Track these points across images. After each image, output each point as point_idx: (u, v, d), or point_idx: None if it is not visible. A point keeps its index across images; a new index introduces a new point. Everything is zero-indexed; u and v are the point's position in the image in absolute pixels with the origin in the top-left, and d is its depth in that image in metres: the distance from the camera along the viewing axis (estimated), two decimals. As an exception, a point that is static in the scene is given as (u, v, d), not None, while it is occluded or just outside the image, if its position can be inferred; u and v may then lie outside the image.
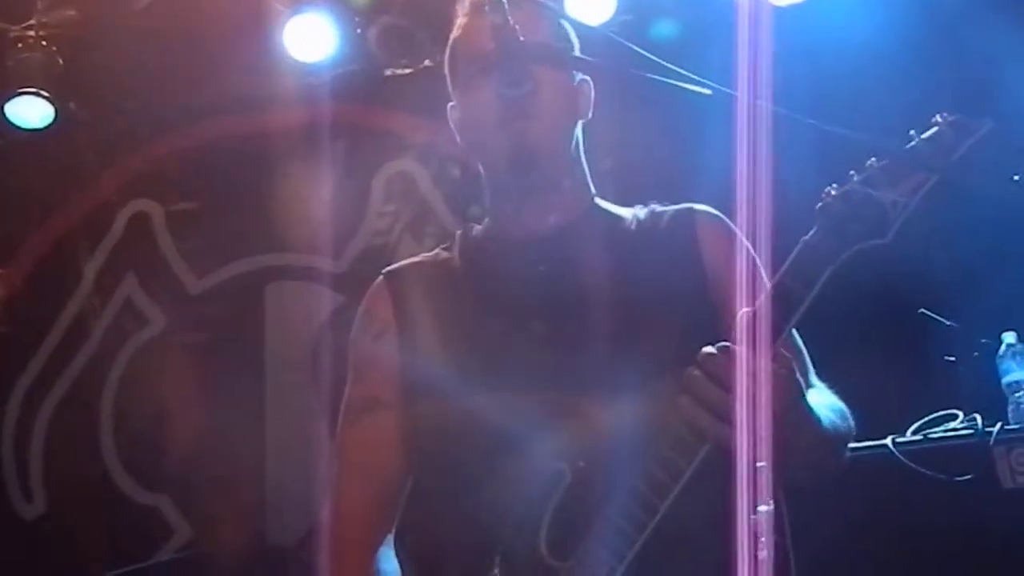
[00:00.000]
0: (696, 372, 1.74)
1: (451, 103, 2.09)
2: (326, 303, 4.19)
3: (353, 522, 2.04)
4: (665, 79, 1.67)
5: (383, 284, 2.09)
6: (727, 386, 1.72)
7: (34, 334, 4.31)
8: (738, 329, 1.76)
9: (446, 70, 2.09)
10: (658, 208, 2.05)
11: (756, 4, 1.62)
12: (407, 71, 3.86)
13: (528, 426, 1.88)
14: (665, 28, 3.69)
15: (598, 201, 2.08)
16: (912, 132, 1.81)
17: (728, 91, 1.59)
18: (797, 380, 1.79)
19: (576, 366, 1.90)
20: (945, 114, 1.80)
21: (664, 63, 1.67)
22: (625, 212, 2.07)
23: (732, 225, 1.97)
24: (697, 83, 1.67)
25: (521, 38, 1.83)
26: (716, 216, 2.02)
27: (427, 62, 3.75)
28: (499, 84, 1.94)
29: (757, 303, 1.78)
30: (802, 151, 1.75)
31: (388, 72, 3.90)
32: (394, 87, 3.90)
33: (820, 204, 1.81)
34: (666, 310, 1.87)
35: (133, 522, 4.21)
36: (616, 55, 1.83)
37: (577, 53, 2.06)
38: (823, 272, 1.79)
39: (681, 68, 1.66)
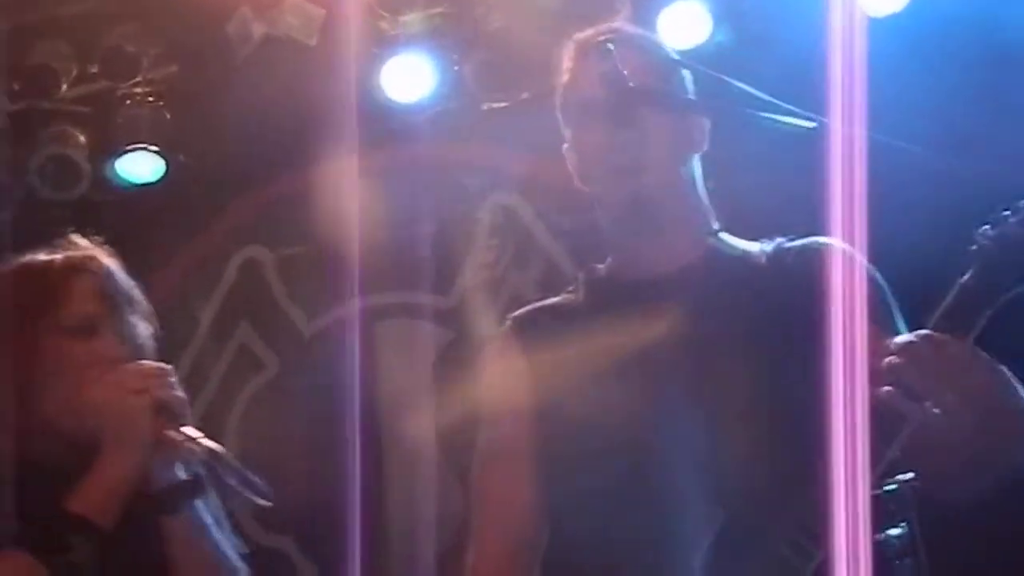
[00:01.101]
0: (895, 360, 1.69)
1: (565, 144, 2.07)
2: (436, 339, 4.19)
3: (493, 566, 2.03)
4: (770, 116, 1.64)
5: (510, 330, 2.10)
6: (928, 372, 1.68)
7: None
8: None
9: (558, 112, 2.07)
10: (785, 243, 2.01)
11: (850, 19, 1.58)
12: (503, 104, 3.85)
13: (669, 468, 1.86)
14: (760, 46, 3.62)
15: (722, 236, 2.04)
16: None
17: (824, 120, 1.55)
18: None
19: (714, 406, 1.87)
20: None
21: (768, 98, 1.65)
22: (752, 247, 2.04)
23: (862, 258, 1.92)
24: (800, 116, 1.63)
25: (630, 83, 1.80)
26: (844, 250, 1.96)
27: (524, 95, 3.74)
28: (609, 130, 1.92)
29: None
30: (901, 175, 1.69)
31: (485, 106, 3.90)
32: (492, 121, 3.89)
33: (975, 246, 1.75)
34: (800, 347, 1.82)
35: (258, 565, 4.23)
36: (720, 88, 1.80)
37: (688, 87, 2.03)
38: (981, 316, 1.73)
39: (781, 86, 1.63)
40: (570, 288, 2.11)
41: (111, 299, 2.12)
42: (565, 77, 2.04)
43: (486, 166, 4.04)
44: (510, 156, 3.90)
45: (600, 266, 2.08)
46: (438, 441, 4.05)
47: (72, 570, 1.95)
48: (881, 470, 1.72)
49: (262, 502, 2.06)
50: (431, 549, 3.95)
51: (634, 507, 1.87)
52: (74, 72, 3.99)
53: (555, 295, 2.15)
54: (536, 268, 4.06)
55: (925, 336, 1.70)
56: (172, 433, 2.04)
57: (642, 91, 1.85)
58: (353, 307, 3.96)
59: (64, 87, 3.99)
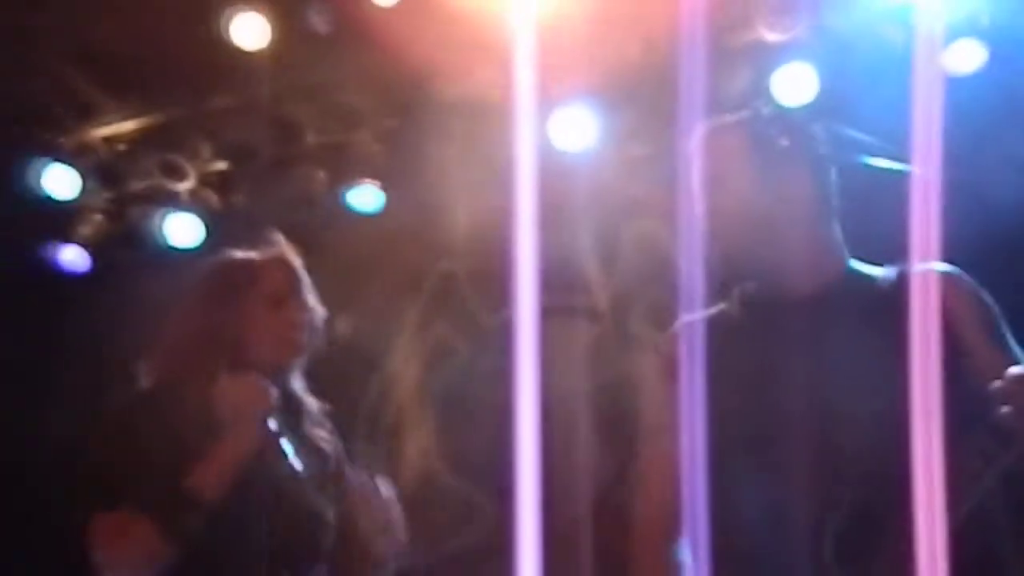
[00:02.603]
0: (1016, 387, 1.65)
1: (701, 210, 2.00)
2: (589, 333, 4.18)
3: (654, 519, 2.02)
4: (877, 161, 1.58)
5: (676, 332, 2.05)
6: None
7: (373, 364, 4.45)
8: None
9: (697, 179, 2.01)
10: (907, 269, 1.93)
11: (931, 77, 1.53)
12: (647, 151, 3.82)
13: (806, 455, 1.81)
14: (860, 101, 3.50)
15: (853, 264, 1.97)
16: None
17: (921, 172, 1.49)
18: None
19: (842, 407, 1.81)
20: None
21: (879, 143, 1.59)
22: (878, 273, 1.97)
23: (973, 283, 1.85)
24: (902, 161, 1.57)
25: (782, 143, 1.77)
26: (958, 276, 1.89)
27: (664, 144, 3.69)
28: (759, 191, 1.87)
29: None
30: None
31: (633, 153, 3.88)
32: (636, 164, 3.87)
33: None
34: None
35: (450, 507, 4.28)
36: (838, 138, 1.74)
37: (820, 141, 1.98)
38: None
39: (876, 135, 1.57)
40: (726, 302, 2.06)
41: (295, 282, 2.26)
42: (703, 155, 1.99)
43: (631, 198, 4.02)
44: (649, 191, 3.87)
45: (751, 284, 2.03)
46: (592, 412, 4.03)
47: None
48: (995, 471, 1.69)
49: None
50: (587, 497, 3.93)
51: (769, 488, 1.83)
52: (316, 125, 4.09)
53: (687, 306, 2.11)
54: (669, 282, 4.01)
55: None
56: None
57: (792, 150, 1.82)
58: (528, 307, 3.98)
59: (309, 137, 4.10)
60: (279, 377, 2.19)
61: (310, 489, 2.17)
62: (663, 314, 2.14)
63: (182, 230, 4.25)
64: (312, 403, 2.31)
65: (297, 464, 2.18)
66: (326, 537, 2.20)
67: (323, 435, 2.30)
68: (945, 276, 1.88)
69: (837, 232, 1.96)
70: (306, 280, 2.28)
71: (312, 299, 2.27)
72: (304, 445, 2.23)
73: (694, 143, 2.00)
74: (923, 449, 1.56)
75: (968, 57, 3.37)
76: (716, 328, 2.00)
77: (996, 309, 1.89)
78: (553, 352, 4.21)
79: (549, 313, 4.25)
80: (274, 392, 2.11)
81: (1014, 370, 1.67)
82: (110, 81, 4.03)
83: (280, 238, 2.31)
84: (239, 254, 2.29)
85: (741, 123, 1.92)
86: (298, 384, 2.27)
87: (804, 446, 1.81)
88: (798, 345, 1.87)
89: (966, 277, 1.91)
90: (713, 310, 2.07)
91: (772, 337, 1.92)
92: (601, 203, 4.06)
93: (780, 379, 1.86)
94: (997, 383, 1.67)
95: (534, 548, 1.58)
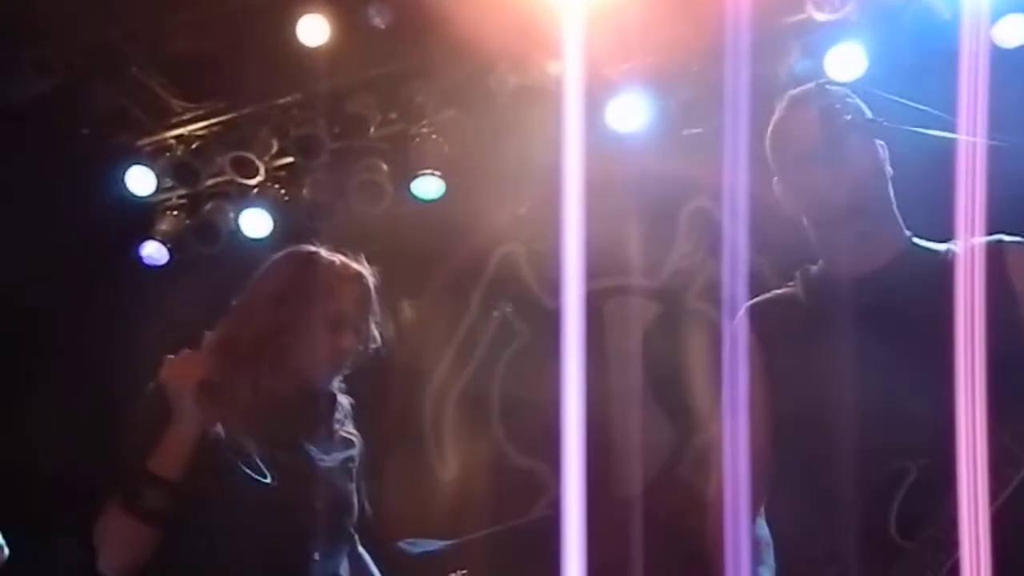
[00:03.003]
0: None
1: (776, 178, 2.00)
2: (647, 311, 4.16)
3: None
4: (937, 133, 1.56)
5: (746, 314, 2.04)
6: None
7: (439, 346, 4.48)
8: None
9: (770, 154, 2.00)
10: (969, 244, 1.90)
11: (978, 51, 1.50)
12: (699, 130, 3.79)
13: (873, 429, 1.79)
14: (907, 78, 3.45)
15: (915, 240, 1.94)
16: None
17: (968, 144, 1.47)
18: None
19: (906, 380, 1.80)
20: None
21: (934, 111, 1.57)
22: (940, 247, 1.94)
23: None
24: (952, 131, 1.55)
25: (847, 117, 1.76)
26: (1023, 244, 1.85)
27: (715, 122, 3.67)
28: (827, 167, 1.85)
29: None
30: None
31: (685, 132, 3.85)
32: (690, 143, 3.84)
33: None
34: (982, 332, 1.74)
35: (515, 483, 4.30)
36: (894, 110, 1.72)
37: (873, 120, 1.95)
38: None
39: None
40: (791, 283, 2.05)
41: (363, 308, 2.18)
42: (779, 126, 1.97)
43: (686, 178, 3.99)
44: (703, 170, 3.84)
45: (813, 267, 2.02)
46: (650, 387, 4.03)
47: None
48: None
49: None
50: (639, 469, 3.94)
51: (843, 455, 1.81)
52: (378, 118, 4.11)
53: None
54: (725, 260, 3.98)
55: None
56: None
57: (853, 124, 1.81)
58: (574, 287, 3.99)
59: (371, 130, 4.11)
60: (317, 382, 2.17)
61: (335, 476, 2.17)
62: (719, 291, 2.12)
63: (254, 223, 4.33)
64: (344, 400, 2.27)
65: (324, 453, 2.18)
66: (350, 519, 2.21)
67: (349, 429, 2.29)
68: (1015, 245, 1.86)
69: (895, 210, 1.94)
70: (374, 304, 2.19)
71: (371, 325, 2.18)
72: (332, 436, 2.22)
73: (776, 115, 1.97)
74: (967, 422, 1.54)
75: (1014, 31, 3.30)
76: (783, 308, 1.99)
77: None
78: (613, 332, 4.24)
79: (606, 293, 4.29)
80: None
81: None
82: (183, 84, 4.11)
83: (363, 259, 2.22)
84: (323, 258, 2.20)
85: (812, 96, 1.89)
86: (335, 384, 2.24)
87: (867, 423, 1.78)
88: (863, 322, 1.85)
89: None
90: (779, 291, 2.06)
91: (836, 315, 1.90)
92: (656, 183, 4.04)
93: (845, 356, 1.84)
94: None
95: (580, 521, 1.58)
